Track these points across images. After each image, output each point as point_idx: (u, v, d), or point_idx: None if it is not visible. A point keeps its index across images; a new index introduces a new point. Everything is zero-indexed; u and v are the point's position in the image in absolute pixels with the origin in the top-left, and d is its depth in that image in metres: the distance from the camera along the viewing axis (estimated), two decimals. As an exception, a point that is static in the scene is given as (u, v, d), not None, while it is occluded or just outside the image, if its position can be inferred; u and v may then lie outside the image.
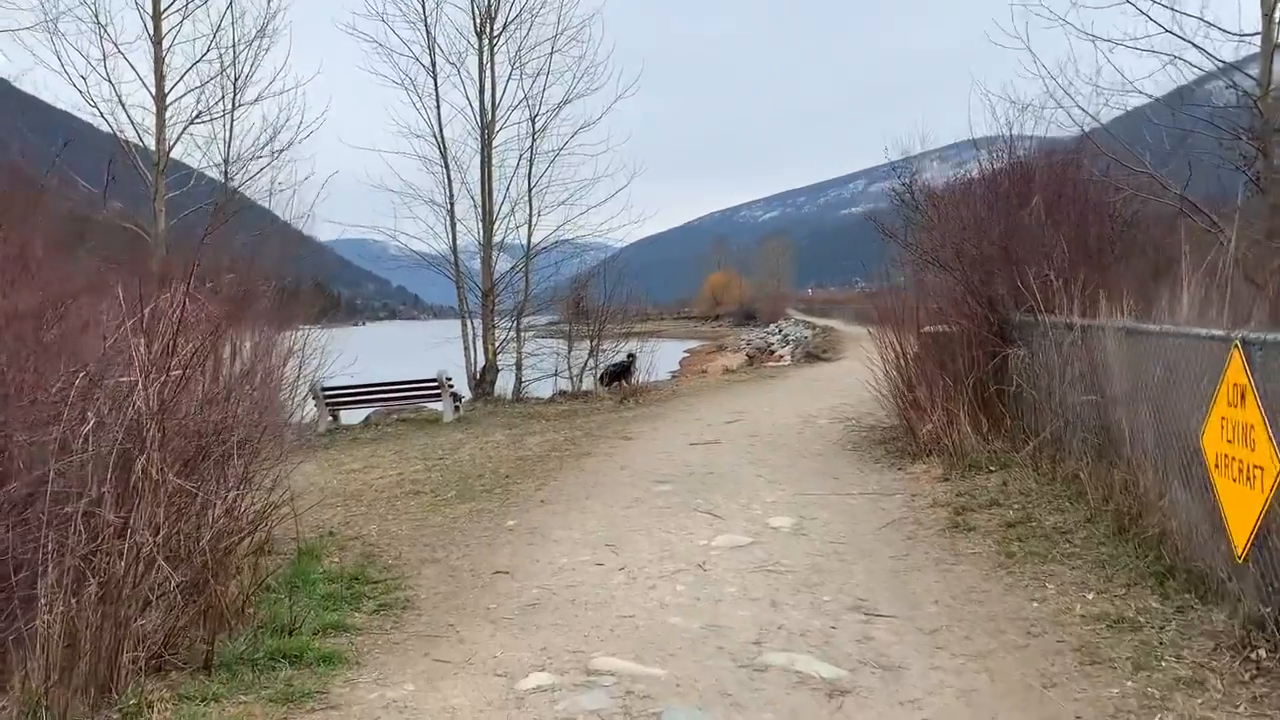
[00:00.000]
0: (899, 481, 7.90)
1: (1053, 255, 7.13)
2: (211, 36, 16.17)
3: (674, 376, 28.32)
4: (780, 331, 74.56)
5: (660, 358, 23.40)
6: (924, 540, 6.17)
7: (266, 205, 16.95)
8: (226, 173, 15.92)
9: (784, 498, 7.57)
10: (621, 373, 19.89)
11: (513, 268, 19.90)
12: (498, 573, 5.94)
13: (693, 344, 71.34)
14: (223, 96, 16.33)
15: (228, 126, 16.06)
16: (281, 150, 16.45)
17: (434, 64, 18.99)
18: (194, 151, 16.51)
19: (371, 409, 18.25)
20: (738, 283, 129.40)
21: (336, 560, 6.66)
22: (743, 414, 13.86)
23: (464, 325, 19.59)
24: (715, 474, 8.71)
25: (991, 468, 7.55)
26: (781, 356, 50.11)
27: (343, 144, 19.37)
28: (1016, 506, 6.57)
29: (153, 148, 16.21)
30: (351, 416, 18.52)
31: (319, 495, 9.45)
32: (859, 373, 22.32)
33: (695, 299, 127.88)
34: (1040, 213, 7.49)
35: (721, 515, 7.05)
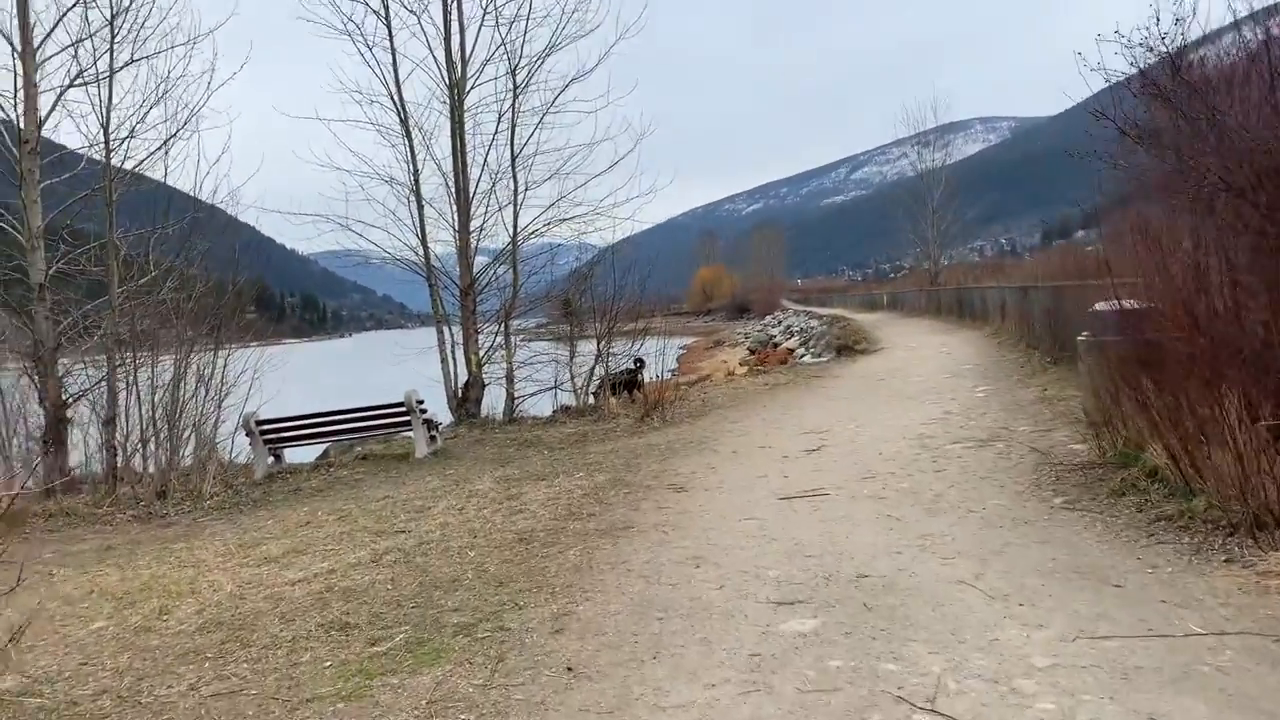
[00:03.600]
0: (1264, 596, 4.09)
1: None
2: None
3: (676, 376, 24.65)
4: (780, 323, 71.19)
5: (657, 357, 19.60)
6: None
7: (186, 190, 13.07)
8: (108, 148, 11.95)
9: (1056, 644, 3.74)
10: (630, 382, 16.14)
11: (497, 258, 16.02)
12: None
13: (687, 340, 67.97)
14: (97, 56, 12.39)
15: (105, 89, 12.10)
16: (188, 119, 12.54)
17: (386, 7, 15.14)
18: (68, 124, 12.57)
19: (325, 443, 14.41)
20: (728, 277, 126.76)
21: None
22: (822, 436, 10.05)
23: (439, 333, 15.73)
24: (874, 576, 4.85)
25: None
26: (792, 350, 46.58)
27: (276, 112, 15.50)
28: None
29: (16, 119, 12.35)
30: (304, 453, 14.71)
31: (186, 627, 5.63)
32: (924, 367, 18.59)
33: (685, 295, 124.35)
34: None
35: (964, 717, 3.23)
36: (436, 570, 6.03)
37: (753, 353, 54.77)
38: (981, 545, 5.22)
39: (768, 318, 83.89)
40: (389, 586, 5.83)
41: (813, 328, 51.90)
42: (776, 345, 54.87)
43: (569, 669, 3.99)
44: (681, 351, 56.59)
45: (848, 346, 25.89)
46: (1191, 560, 4.57)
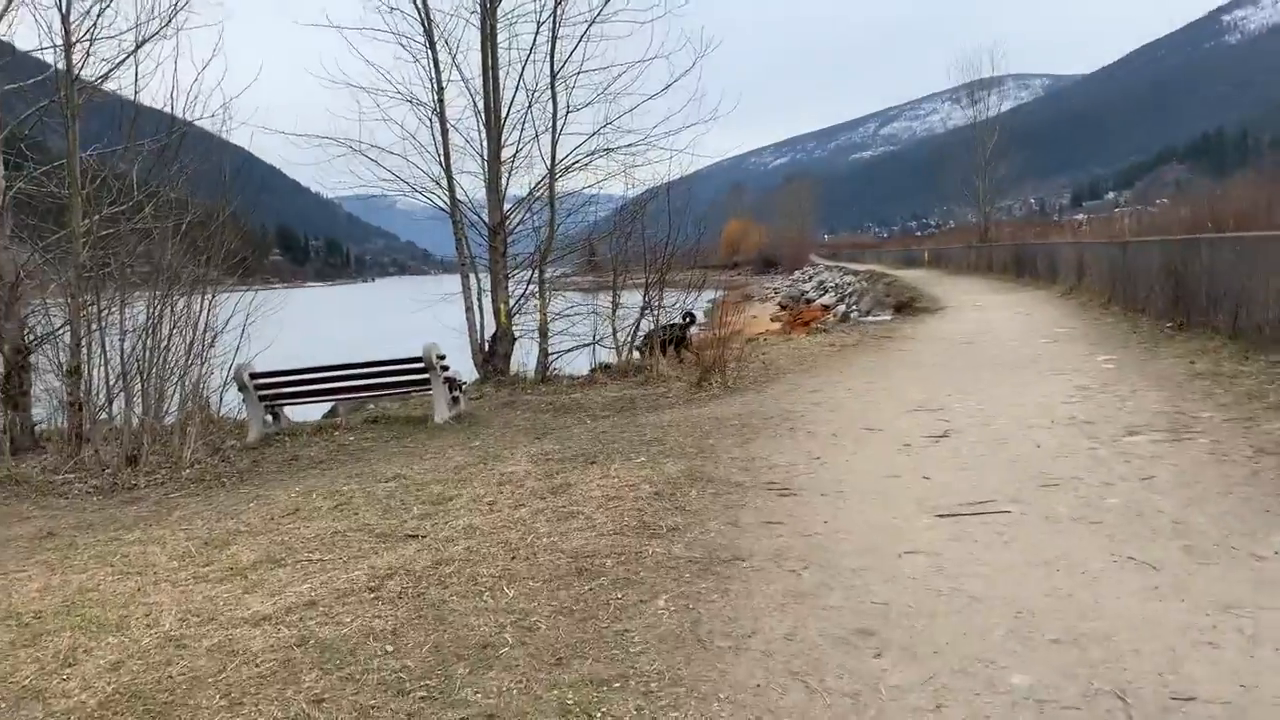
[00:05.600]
0: None
1: None
2: None
3: (707, 331, 22.63)
4: (811, 279, 68.90)
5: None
6: None
7: (165, 99, 10.96)
8: (68, 45, 9.84)
9: None
10: (679, 339, 14.16)
11: (531, 193, 13.95)
12: None
13: (714, 294, 65.72)
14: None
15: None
16: (172, 15, 10.44)
17: (408, -106, 12.95)
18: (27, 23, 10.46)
19: (331, 401, 12.54)
20: (755, 230, 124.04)
21: None
22: (939, 415, 8.05)
23: (464, 278, 13.75)
24: (1204, 699, 2.82)
25: None
26: (829, 307, 44.52)
27: (279, 16, 13.39)
28: None
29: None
30: (311, 410, 12.85)
31: (89, 697, 3.77)
32: (1009, 330, 16.40)
33: (711, 248, 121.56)
34: None
35: None
36: (459, 620, 4.09)
37: (784, 308, 52.69)
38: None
39: (796, 273, 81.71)
40: (388, 647, 3.90)
41: (849, 284, 49.67)
42: (810, 301, 52.71)
43: None
44: (708, 305, 54.47)
45: (906, 304, 23.76)
46: None
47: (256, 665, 3.91)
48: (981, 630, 3.46)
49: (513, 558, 4.93)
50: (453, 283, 14.65)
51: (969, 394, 9.17)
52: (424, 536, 5.68)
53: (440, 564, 5.00)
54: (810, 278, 70.40)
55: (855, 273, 53.92)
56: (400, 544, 5.58)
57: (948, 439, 7.09)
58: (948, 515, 5.01)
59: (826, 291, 53.78)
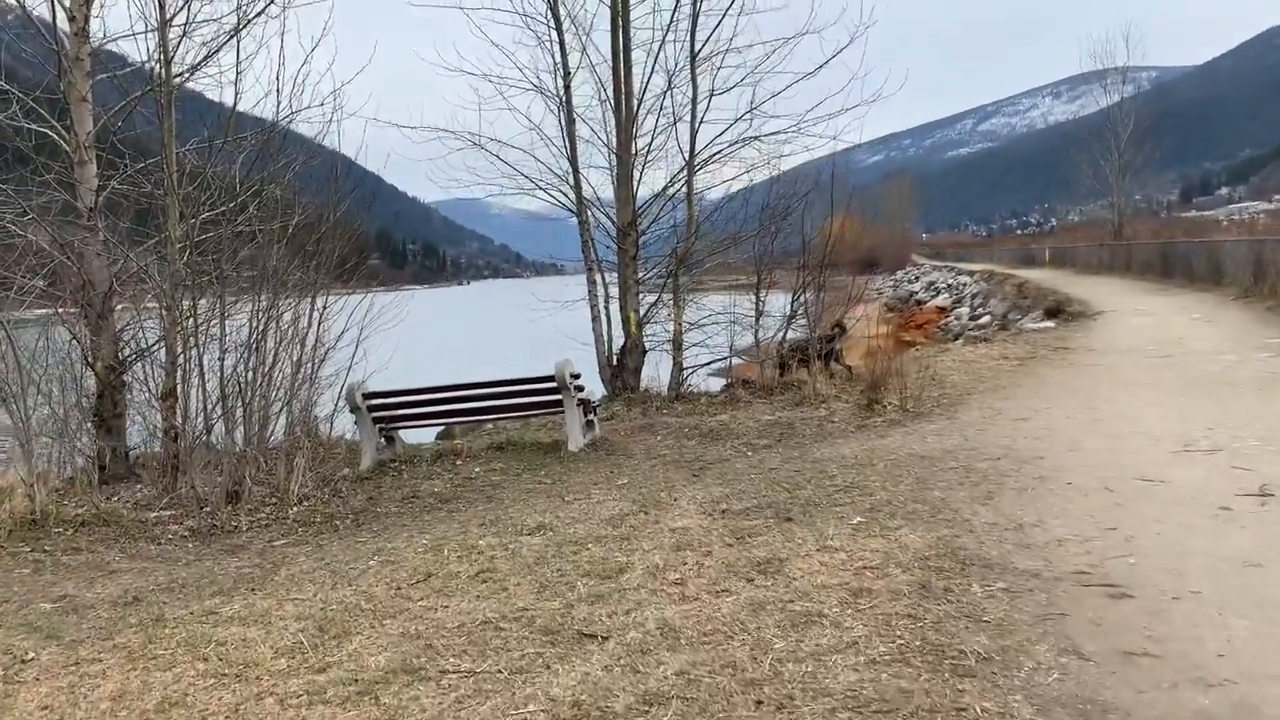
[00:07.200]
0: None
1: None
2: None
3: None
4: (918, 279, 66.36)
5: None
6: None
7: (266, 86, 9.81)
8: (164, 25, 8.71)
9: None
10: (827, 352, 12.54)
11: (665, 188, 12.46)
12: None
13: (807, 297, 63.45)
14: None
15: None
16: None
17: None
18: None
19: (450, 423, 11.25)
20: (855, 230, 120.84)
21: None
22: (1229, 459, 6.26)
23: (591, 284, 12.34)
24: None
25: None
26: (944, 309, 42.23)
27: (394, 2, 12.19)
28: None
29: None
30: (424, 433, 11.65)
31: None
32: (1203, 340, 14.12)
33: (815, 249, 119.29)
34: None
35: None
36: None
37: (891, 310, 50.34)
38: None
39: (899, 273, 79.17)
40: None
41: (964, 284, 47.21)
42: (920, 303, 50.32)
43: None
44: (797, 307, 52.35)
45: (1058, 309, 21.59)
46: None
47: None
48: None
49: (759, 702, 3.39)
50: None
51: (1239, 426, 7.34)
52: (605, 638, 4.20)
53: (650, 702, 3.50)
54: (916, 278, 67.80)
55: (970, 273, 51.39)
56: (576, 649, 4.12)
57: (1276, 500, 5.33)
58: None
59: (939, 292, 51.33)
